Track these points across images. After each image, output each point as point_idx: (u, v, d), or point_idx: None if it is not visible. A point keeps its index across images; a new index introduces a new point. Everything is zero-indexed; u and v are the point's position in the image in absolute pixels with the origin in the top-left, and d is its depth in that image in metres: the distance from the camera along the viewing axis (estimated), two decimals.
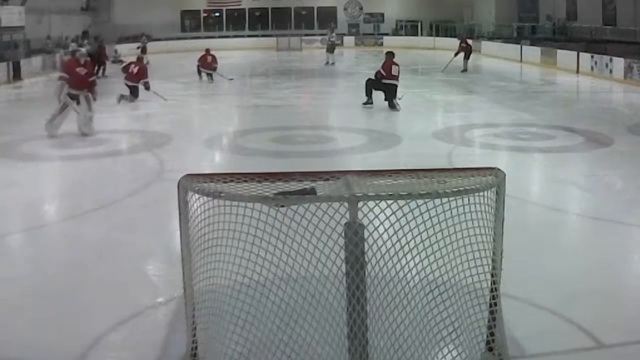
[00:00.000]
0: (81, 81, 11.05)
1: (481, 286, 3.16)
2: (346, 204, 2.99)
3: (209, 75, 19.59)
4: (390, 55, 14.00)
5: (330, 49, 25.81)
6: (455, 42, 24.46)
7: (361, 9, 40.19)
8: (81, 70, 11.14)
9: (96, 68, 19.38)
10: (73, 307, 4.44)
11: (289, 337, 3.21)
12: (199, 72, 19.89)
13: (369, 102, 13.64)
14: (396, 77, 13.55)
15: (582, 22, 27.55)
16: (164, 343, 3.89)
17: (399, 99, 13.38)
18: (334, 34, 26.81)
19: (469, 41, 23.58)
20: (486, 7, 35.86)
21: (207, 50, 20.01)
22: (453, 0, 37.98)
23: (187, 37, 36.08)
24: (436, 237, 3.07)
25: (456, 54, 22.48)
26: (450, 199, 2.98)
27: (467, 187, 3.02)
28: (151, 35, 36.06)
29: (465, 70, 22.09)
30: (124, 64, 16.38)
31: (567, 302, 4.36)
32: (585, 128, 11.27)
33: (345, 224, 3.01)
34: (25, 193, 7.66)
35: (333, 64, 25.24)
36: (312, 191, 3.06)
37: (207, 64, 19.71)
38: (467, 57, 22.31)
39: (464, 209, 3.01)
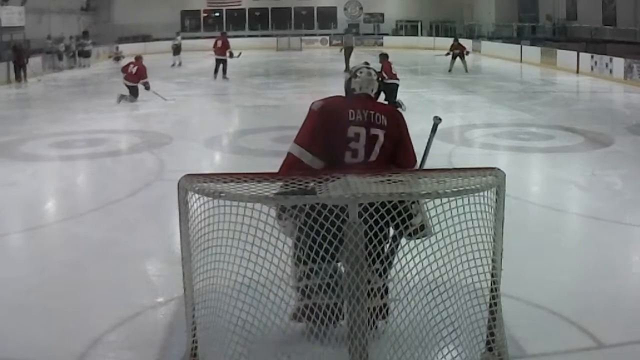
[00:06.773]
0: None
1: (481, 286, 3.16)
2: (346, 204, 2.98)
3: (224, 68, 19.79)
4: (384, 56, 14.06)
5: (176, 51, 26.59)
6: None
7: (361, 9, 40.20)
8: None
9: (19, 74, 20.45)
10: (73, 307, 4.43)
11: (289, 337, 3.20)
12: (216, 69, 19.98)
13: None
14: (396, 77, 13.56)
15: (582, 22, 27.56)
16: (164, 343, 3.89)
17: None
18: (178, 37, 27.74)
19: (461, 43, 23.42)
20: (486, 7, 35.88)
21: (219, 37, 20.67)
22: (453, 0, 38.01)
23: (187, 37, 36.06)
24: (436, 237, 3.06)
25: (457, 55, 22.51)
26: (450, 199, 2.97)
27: (467, 187, 3.01)
28: (151, 35, 36.11)
29: (465, 70, 22.08)
30: (124, 65, 16.38)
31: (567, 302, 4.35)
32: (585, 128, 11.26)
33: (346, 223, 3.00)
34: (25, 193, 7.67)
35: (180, 64, 25.99)
36: (312, 191, 3.06)
37: (216, 49, 20.09)
38: (462, 59, 22.22)
39: (464, 209, 3.01)
